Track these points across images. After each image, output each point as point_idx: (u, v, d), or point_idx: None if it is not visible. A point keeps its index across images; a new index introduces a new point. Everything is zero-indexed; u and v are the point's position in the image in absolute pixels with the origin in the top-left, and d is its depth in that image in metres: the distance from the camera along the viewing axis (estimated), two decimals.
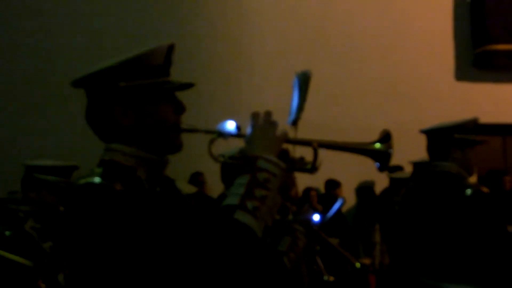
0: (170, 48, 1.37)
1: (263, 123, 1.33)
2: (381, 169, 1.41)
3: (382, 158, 1.40)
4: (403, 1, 7.26)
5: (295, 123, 1.52)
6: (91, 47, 6.41)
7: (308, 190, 5.92)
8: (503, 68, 7.34)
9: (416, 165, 4.03)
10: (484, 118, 2.95)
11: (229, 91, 6.69)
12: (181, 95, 1.40)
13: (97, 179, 1.19)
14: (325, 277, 2.40)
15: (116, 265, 1.11)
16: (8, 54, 6.51)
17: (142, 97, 1.31)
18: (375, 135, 1.43)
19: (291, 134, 1.40)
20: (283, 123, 1.37)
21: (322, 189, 6.36)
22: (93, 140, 1.42)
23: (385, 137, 1.41)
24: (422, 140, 3.40)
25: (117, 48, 6.09)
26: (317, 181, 6.15)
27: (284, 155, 1.33)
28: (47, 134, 6.29)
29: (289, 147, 1.38)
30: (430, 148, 2.87)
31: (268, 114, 1.34)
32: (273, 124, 1.33)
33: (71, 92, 1.46)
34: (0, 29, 6.58)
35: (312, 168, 1.38)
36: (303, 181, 5.74)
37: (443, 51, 7.39)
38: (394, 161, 5.15)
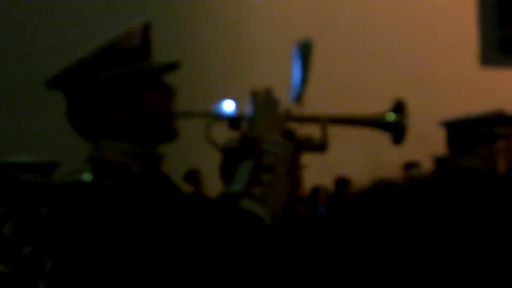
0: (146, 27, 1.34)
1: (264, 102, 1.31)
2: (396, 141, 1.39)
3: (397, 129, 1.38)
4: None
5: (299, 99, 1.50)
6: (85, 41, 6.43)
7: (316, 190, 5.91)
8: None
9: (440, 161, 4.01)
10: (511, 108, 2.93)
11: (227, 75, 6.67)
12: (181, 83, 1.39)
13: (87, 177, 1.19)
14: None
15: (115, 264, 1.11)
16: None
17: (126, 86, 1.29)
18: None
19: (296, 111, 1.39)
20: (287, 102, 1.36)
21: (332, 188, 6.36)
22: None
23: (398, 107, 1.40)
24: (443, 134, 3.39)
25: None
26: (326, 179, 6.16)
27: (289, 135, 1.32)
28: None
29: (295, 126, 1.37)
30: (450, 143, 2.86)
31: (269, 91, 1.33)
32: (275, 102, 1.32)
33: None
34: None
35: (322, 145, 1.36)
36: (310, 179, 5.75)
37: (466, 34, 7.37)
38: (413, 157, 5.16)
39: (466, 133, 2.76)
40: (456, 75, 7.14)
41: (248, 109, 1.32)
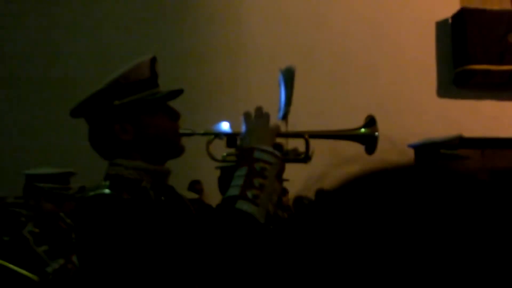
0: (153, 61, 1.35)
1: (255, 118, 1.32)
2: (368, 151, 1.38)
3: (369, 141, 1.38)
4: (389, 24, 7.30)
5: (285, 117, 1.50)
6: (95, 53, 6.42)
7: (299, 198, 5.88)
8: (481, 86, 7.38)
9: None
10: (464, 133, 2.94)
11: (227, 97, 6.67)
12: (179, 102, 1.39)
13: (106, 190, 1.18)
14: None
15: (126, 264, 1.10)
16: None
17: (136, 111, 1.29)
18: (362, 147, 1.41)
19: (283, 128, 1.39)
20: (275, 120, 1.36)
21: (313, 197, 6.33)
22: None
23: (370, 122, 1.40)
24: (406, 154, 3.39)
25: (120, 56, 6.10)
26: (307, 189, 6.13)
27: (278, 147, 1.31)
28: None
29: (282, 140, 1.37)
30: (417, 162, 2.84)
31: (259, 109, 1.34)
32: (265, 117, 1.32)
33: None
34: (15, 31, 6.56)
35: (306, 157, 1.36)
36: (294, 189, 5.72)
37: (426, 70, 7.43)
38: None
39: (431, 154, 2.76)
40: (418, 104, 7.18)
41: (242, 128, 1.32)
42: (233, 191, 1.17)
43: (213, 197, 5.66)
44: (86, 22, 6.73)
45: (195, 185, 5.98)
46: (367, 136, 1.38)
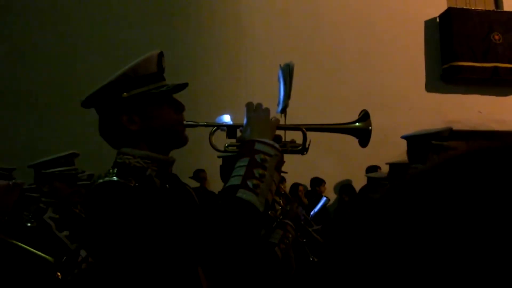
0: (160, 55, 1.36)
1: (256, 111, 1.32)
2: (362, 144, 1.38)
3: (363, 134, 1.38)
4: (381, 22, 7.28)
5: (283, 111, 1.49)
6: (105, 55, 6.39)
7: (296, 185, 5.91)
8: (467, 81, 7.38)
9: (392, 166, 4.00)
10: (451, 125, 2.93)
11: (227, 92, 6.66)
12: (185, 98, 1.39)
13: (114, 178, 1.18)
14: (311, 259, 2.43)
15: (135, 246, 1.09)
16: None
17: (144, 103, 1.29)
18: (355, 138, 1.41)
19: (281, 121, 1.39)
20: (274, 114, 1.36)
21: (308, 186, 6.35)
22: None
23: (364, 116, 1.39)
24: (398, 144, 3.39)
25: (125, 57, 6.06)
26: (304, 178, 6.16)
27: (277, 139, 1.31)
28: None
29: (281, 133, 1.36)
30: (409, 152, 2.84)
31: (259, 104, 1.34)
32: (265, 111, 1.32)
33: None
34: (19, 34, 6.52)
35: (303, 149, 1.36)
36: (291, 178, 5.75)
37: (416, 66, 7.43)
38: (372, 162, 5.13)
39: (422, 145, 2.76)
40: (408, 98, 7.18)
41: (243, 120, 1.32)
42: (235, 181, 1.17)
43: (216, 184, 5.69)
44: (94, 19, 6.69)
45: (199, 174, 5.99)
46: (361, 130, 1.38)
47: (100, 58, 6.33)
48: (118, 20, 6.72)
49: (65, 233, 2.52)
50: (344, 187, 6.28)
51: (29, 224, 2.48)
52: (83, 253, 2.37)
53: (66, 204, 2.63)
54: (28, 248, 2.29)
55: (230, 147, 1.38)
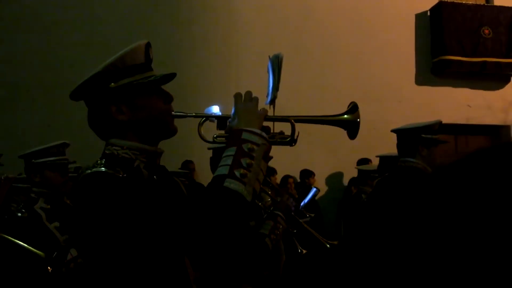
0: (147, 46, 1.35)
1: (245, 102, 1.31)
2: (350, 136, 1.38)
3: (351, 126, 1.37)
4: (372, 15, 7.28)
5: (272, 102, 1.48)
6: (92, 52, 6.32)
7: (286, 177, 5.92)
8: (456, 75, 7.43)
9: (382, 158, 4.02)
10: (440, 118, 2.94)
11: (217, 85, 6.62)
12: (173, 90, 1.37)
13: (102, 168, 1.17)
14: (299, 250, 2.44)
15: (122, 237, 1.09)
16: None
17: (132, 93, 1.28)
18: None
19: (270, 112, 1.37)
20: (263, 106, 1.34)
21: (298, 178, 6.36)
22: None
23: (353, 108, 1.39)
24: (388, 137, 3.40)
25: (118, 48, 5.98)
26: (294, 170, 6.17)
27: (265, 130, 1.30)
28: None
29: (269, 124, 1.35)
30: (399, 146, 2.83)
31: (248, 93, 1.33)
32: (254, 100, 1.31)
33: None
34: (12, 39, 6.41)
35: (291, 140, 1.36)
36: (281, 170, 5.75)
37: (406, 59, 7.44)
38: (362, 154, 5.16)
39: (412, 138, 2.76)
40: (398, 91, 7.21)
41: (232, 110, 1.30)
42: (222, 170, 1.16)
43: (204, 176, 5.68)
44: (83, 13, 6.59)
45: (188, 165, 5.97)
46: (349, 122, 1.37)
47: (87, 49, 6.26)
48: (106, 11, 6.62)
49: (55, 224, 2.50)
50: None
51: (19, 214, 2.46)
52: (73, 252, 2.35)
53: (58, 194, 2.61)
54: (19, 242, 2.27)
55: (218, 138, 1.37)
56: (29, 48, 6.34)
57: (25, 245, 2.27)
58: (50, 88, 6.17)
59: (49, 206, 2.54)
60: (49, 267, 2.26)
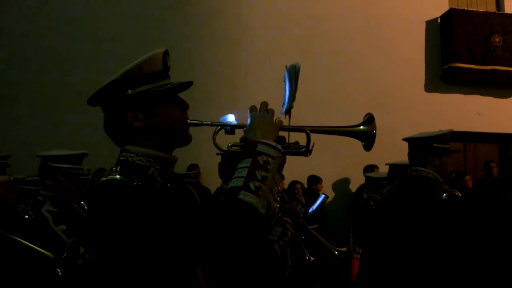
0: (165, 54, 1.34)
1: (260, 113, 1.30)
2: (366, 148, 1.36)
3: (367, 138, 1.35)
4: (382, 22, 7.26)
5: (288, 112, 1.47)
6: (96, 51, 6.36)
7: (294, 183, 5.89)
8: (466, 83, 7.37)
9: (392, 166, 3.98)
10: (449, 126, 2.91)
11: (226, 90, 6.63)
12: (183, 95, 1.36)
13: (117, 176, 1.17)
14: (307, 257, 2.42)
15: (135, 245, 1.08)
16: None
17: (148, 101, 1.28)
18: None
19: (285, 122, 1.36)
20: (277, 114, 1.33)
21: (305, 184, 6.33)
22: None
23: (369, 120, 1.37)
24: (395, 144, 3.36)
25: (122, 52, 6.02)
26: (301, 176, 6.14)
27: (280, 140, 1.29)
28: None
29: (285, 134, 1.33)
30: (411, 154, 2.80)
31: (264, 104, 1.32)
32: (269, 112, 1.30)
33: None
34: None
35: (306, 151, 1.34)
36: (289, 176, 5.72)
37: (416, 66, 7.41)
38: (369, 161, 5.12)
39: (424, 147, 2.72)
40: (407, 98, 7.17)
41: (248, 120, 1.30)
42: (237, 182, 1.15)
43: (210, 180, 5.67)
44: (87, 12, 6.63)
45: (193, 168, 5.97)
46: (365, 133, 1.35)
47: (95, 52, 6.30)
48: (112, 15, 6.65)
49: (62, 227, 2.52)
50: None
51: (27, 217, 2.47)
52: (81, 249, 2.36)
53: (66, 198, 2.62)
54: (28, 244, 2.27)
55: (233, 147, 1.36)
56: (29, 48, 6.40)
57: (34, 246, 2.27)
58: (53, 89, 6.22)
59: (56, 210, 2.54)
60: (58, 269, 2.27)
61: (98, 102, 1.32)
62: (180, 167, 5.48)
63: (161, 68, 1.31)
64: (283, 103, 1.48)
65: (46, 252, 2.26)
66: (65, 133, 6.04)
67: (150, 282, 1.11)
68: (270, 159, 1.17)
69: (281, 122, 1.31)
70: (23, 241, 2.28)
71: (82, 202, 2.87)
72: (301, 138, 1.35)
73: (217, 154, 2.39)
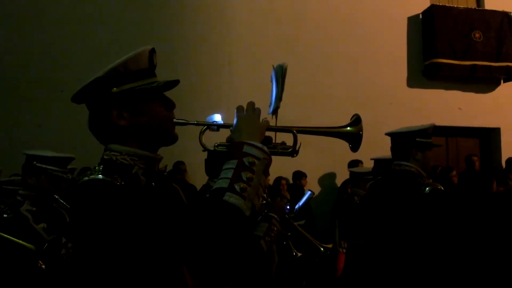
0: (152, 52, 1.31)
1: (247, 113, 1.28)
2: (353, 149, 1.36)
3: (354, 139, 1.35)
4: (365, 18, 7.30)
5: (275, 112, 1.45)
6: (88, 51, 6.28)
7: (279, 179, 5.90)
8: (448, 78, 7.46)
9: (377, 161, 4.01)
10: (431, 120, 2.93)
11: (210, 89, 6.60)
12: (168, 93, 1.34)
13: (100, 176, 1.14)
14: (294, 253, 2.42)
15: (119, 246, 1.06)
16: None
17: (134, 99, 1.25)
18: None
19: (272, 122, 1.34)
20: (264, 114, 1.32)
21: (290, 179, 6.34)
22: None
23: (356, 121, 1.37)
24: (379, 139, 3.38)
25: (114, 51, 5.96)
26: (286, 171, 6.15)
27: (267, 141, 1.28)
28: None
29: (271, 134, 1.32)
30: (394, 149, 2.81)
31: (251, 104, 1.30)
32: (256, 112, 1.28)
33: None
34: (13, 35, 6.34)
35: (293, 151, 1.33)
36: (274, 171, 5.71)
37: (398, 62, 7.48)
38: (355, 156, 5.13)
39: (406, 142, 2.74)
40: (390, 93, 7.23)
41: (234, 120, 1.29)
42: (222, 183, 1.13)
43: (196, 177, 5.64)
44: (75, 15, 6.54)
45: (179, 165, 5.93)
46: (352, 134, 1.35)
47: (80, 50, 6.21)
48: (99, 12, 6.58)
49: (42, 225, 2.47)
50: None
51: (5, 216, 2.42)
52: (63, 239, 2.33)
53: (46, 198, 2.58)
54: (8, 236, 2.24)
55: (220, 147, 1.33)
56: (29, 47, 6.31)
57: (14, 238, 2.24)
58: (45, 87, 6.13)
59: (35, 209, 2.50)
60: (41, 262, 2.23)
61: (82, 99, 1.29)
62: (167, 164, 5.44)
63: (147, 66, 1.28)
64: (270, 103, 1.47)
65: (27, 244, 2.23)
66: (49, 131, 5.97)
67: (136, 281, 1.10)
68: (255, 161, 1.16)
69: (267, 122, 1.29)
70: (1, 233, 2.25)
71: (62, 201, 2.83)
72: (287, 138, 1.34)
73: (203, 150, 2.37)
